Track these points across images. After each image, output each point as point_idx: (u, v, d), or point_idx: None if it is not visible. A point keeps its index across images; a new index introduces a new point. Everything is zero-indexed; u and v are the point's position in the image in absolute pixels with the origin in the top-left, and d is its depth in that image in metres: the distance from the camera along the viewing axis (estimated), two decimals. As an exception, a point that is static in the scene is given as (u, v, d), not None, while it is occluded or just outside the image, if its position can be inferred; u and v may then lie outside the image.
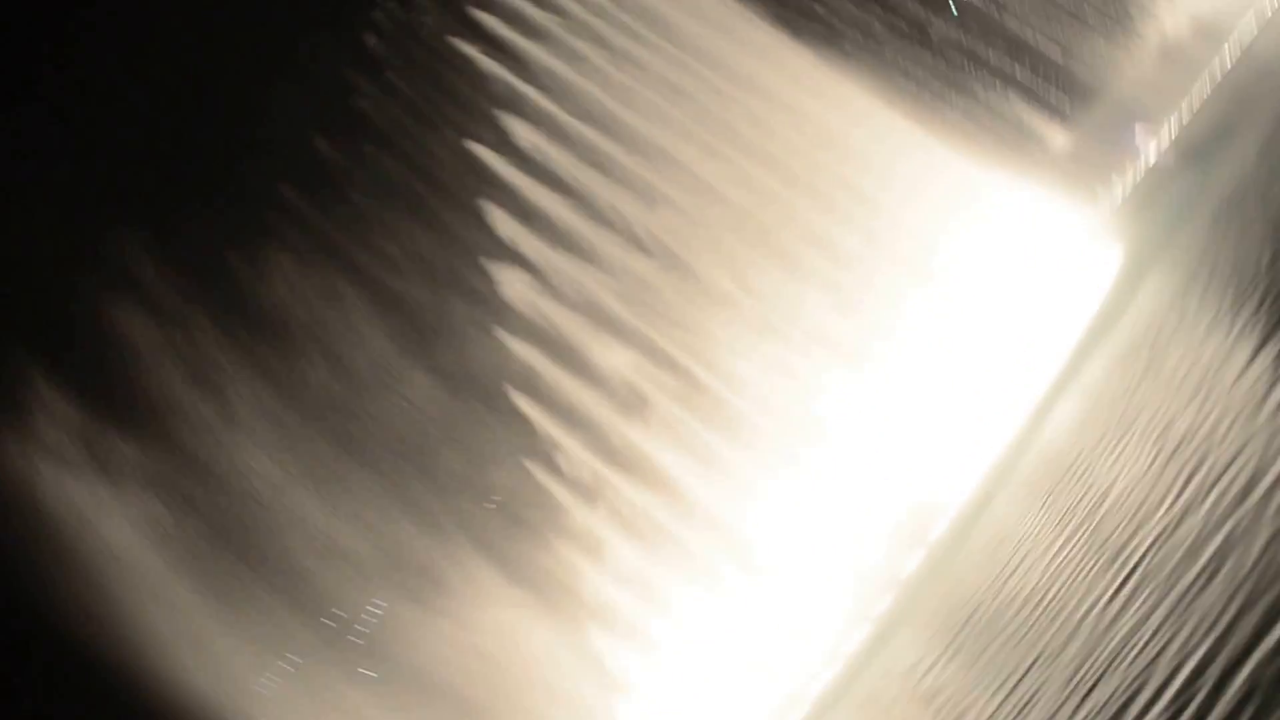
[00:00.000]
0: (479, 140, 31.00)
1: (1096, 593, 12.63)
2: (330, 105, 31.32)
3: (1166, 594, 10.25)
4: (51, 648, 26.18)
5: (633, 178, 30.35)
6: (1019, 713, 12.94)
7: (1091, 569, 13.90)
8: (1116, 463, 17.52)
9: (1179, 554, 10.54)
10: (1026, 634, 15.11)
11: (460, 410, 29.18)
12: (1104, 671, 10.61)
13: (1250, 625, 8.22)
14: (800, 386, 28.96)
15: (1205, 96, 31.15)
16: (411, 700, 26.84)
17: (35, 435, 27.68)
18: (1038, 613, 15.13)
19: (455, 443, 29.03)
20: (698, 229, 30.33)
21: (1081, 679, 11.14)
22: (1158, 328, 24.29)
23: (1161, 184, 30.35)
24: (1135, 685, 9.53)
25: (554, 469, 28.19)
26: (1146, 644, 9.97)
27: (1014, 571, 19.71)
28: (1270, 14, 30.44)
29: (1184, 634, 9.18)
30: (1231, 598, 8.83)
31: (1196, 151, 29.75)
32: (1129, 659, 10.14)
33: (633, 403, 28.56)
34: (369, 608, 27.85)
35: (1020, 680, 13.76)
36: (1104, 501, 16.32)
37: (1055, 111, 33.47)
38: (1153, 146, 31.79)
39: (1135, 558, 12.01)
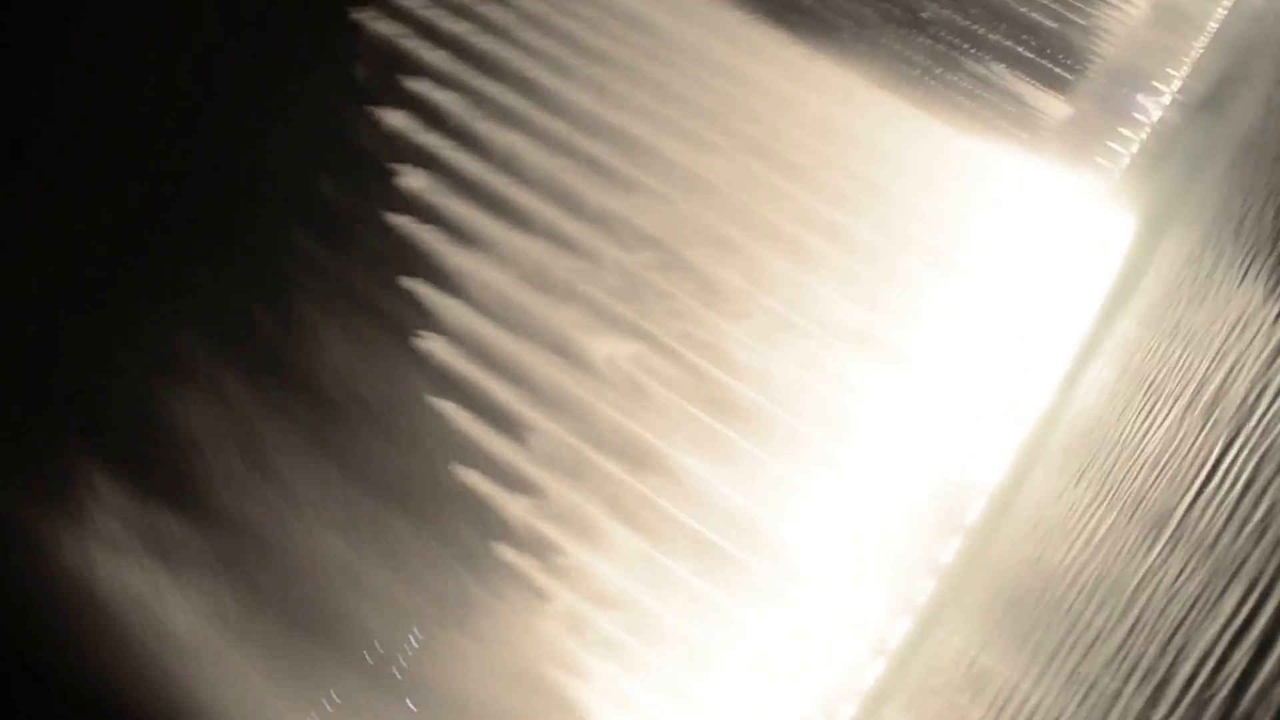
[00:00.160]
0: (477, 155, 30.84)
1: (1142, 564, 12.22)
2: (327, 142, 31.18)
3: (1209, 559, 9.86)
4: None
5: (633, 182, 30.12)
6: (1073, 694, 12.59)
7: (1134, 540, 13.49)
8: (1150, 428, 17.17)
9: (1223, 518, 10.13)
10: (1074, 612, 14.75)
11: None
12: (1154, 644, 10.24)
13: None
14: (823, 379, 28.61)
15: (1202, 51, 30.81)
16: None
17: (89, 524, 27.59)
18: (1084, 590, 14.77)
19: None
20: (705, 230, 30.07)
21: (1131, 653, 10.76)
22: (1179, 287, 23.97)
23: (1168, 143, 30.10)
24: (1180, 650, 9.19)
25: (584, 484, 27.90)
26: (1191, 610, 9.61)
27: (1055, 549, 19.34)
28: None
29: (1231, 600, 8.81)
30: (1273, 559, 8.49)
31: (1200, 107, 29.49)
32: (1176, 628, 9.77)
33: (659, 412, 28.27)
34: (407, 641, 27.62)
35: (1071, 661, 13.40)
36: (1141, 469, 15.96)
37: (1055, 81, 33.18)
38: (1155, 106, 31.51)
39: (1177, 525, 11.60)
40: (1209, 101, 29.86)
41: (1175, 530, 11.53)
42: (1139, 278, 26.95)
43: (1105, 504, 17.01)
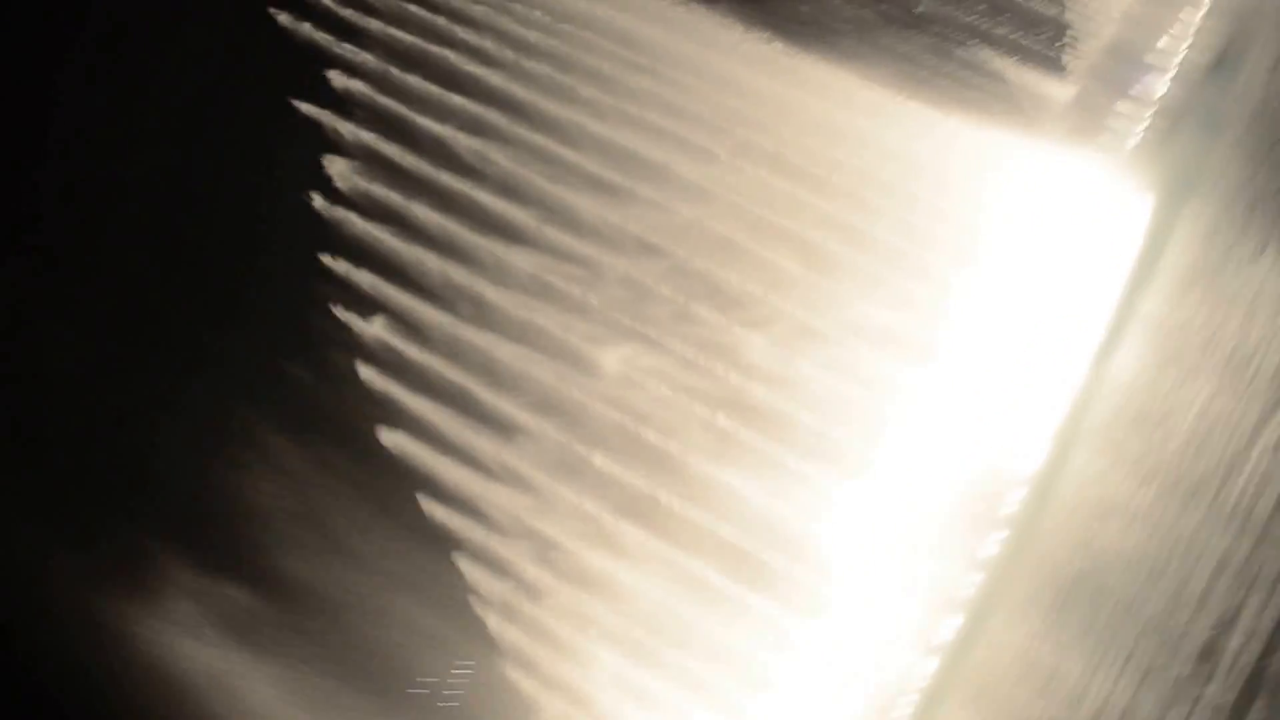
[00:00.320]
0: (474, 182, 30.85)
1: (1184, 538, 11.96)
2: (318, 175, 31.19)
3: (1249, 528, 9.61)
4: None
5: (635, 195, 30.04)
6: (1133, 679, 12.31)
7: (1175, 514, 13.22)
8: (1185, 402, 16.91)
9: (1262, 487, 9.87)
10: (1123, 594, 14.45)
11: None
12: (1203, 618, 9.98)
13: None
14: (847, 381, 28.34)
15: (1202, 21, 30.51)
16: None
17: (160, 606, 27.56)
18: (1130, 570, 14.48)
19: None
20: (714, 238, 29.95)
21: (1181, 630, 10.50)
22: (1203, 260, 23.76)
23: (1176, 117, 29.77)
24: (1229, 622, 8.96)
25: (613, 502, 27.75)
26: (1236, 581, 9.37)
27: (1099, 531, 19.02)
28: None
29: (1273, 569, 8.56)
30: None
31: (1205, 78, 29.20)
32: (1222, 600, 9.52)
33: (683, 422, 28.09)
34: (456, 671, 27.51)
35: (1125, 644, 13.10)
36: (1178, 443, 15.68)
37: (1056, 65, 32.89)
38: (1159, 81, 31.19)
39: (1215, 496, 11.33)
40: (1214, 72, 29.57)
41: (1215, 501, 11.26)
42: (1161, 253, 26.68)
43: (1145, 480, 16.73)
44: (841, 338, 29.13)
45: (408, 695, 27.50)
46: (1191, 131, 28.18)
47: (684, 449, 27.47)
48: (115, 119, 32.34)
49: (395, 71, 32.18)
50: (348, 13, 32.75)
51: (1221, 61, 29.46)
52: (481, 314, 29.53)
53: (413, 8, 32.59)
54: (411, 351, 29.68)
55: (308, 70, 32.25)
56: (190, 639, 27.30)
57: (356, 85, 32.18)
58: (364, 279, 30.41)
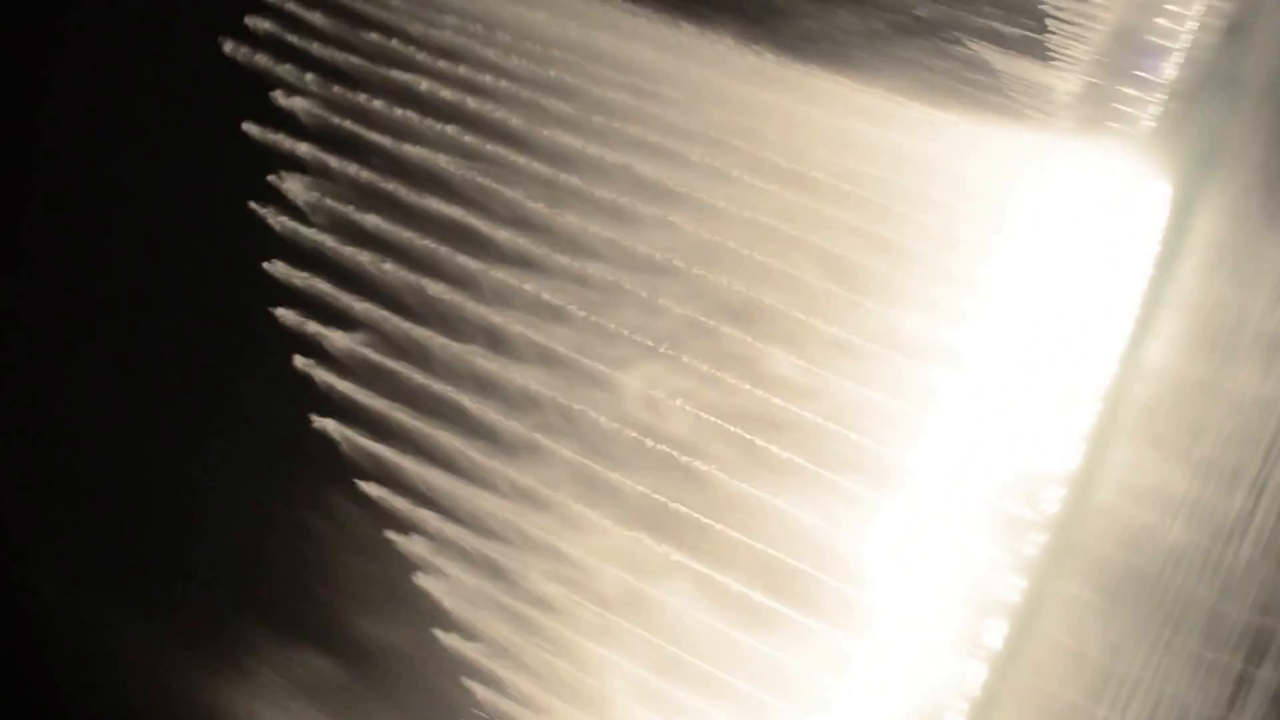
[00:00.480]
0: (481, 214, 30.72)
1: (1225, 523, 11.41)
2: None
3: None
4: None
5: (658, 224, 29.78)
6: (1183, 670, 11.78)
7: (1214, 498, 12.67)
8: (1223, 384, 16.38)
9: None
10: (1167, 585, 13.95)
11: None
12: (1248, 605, 9.44)
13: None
14: (878, 390, 27.87)
15: (1207, 2, 29.97)
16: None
17: (249, 679, 27.74)
18: (1171, 559, 13.96)
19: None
20: (740, 260, 29.59)
21: (1229, 618, 9.96)
22: (1229, 242, 23.24)
23: (1188, 95, 29.27)
24: (1273, 606, 8.42)
25: (647, 524, 27.36)
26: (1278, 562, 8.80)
27: (1142, 523, 18.42)
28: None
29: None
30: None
31: (1214, 59, 28.70)
32: (1266, 583, 8.97)
33: (711, 439, 27.70)
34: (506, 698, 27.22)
35: (1172, 635, 12.57)
36: (1215, 427, 15.17)
37: (1063, 56, 32.47)
38: (1168, 65, 30.71)
39: (1255, 478, 10.79)
40: (1224, 49, 29.09)
41: (1255, 483, 10.72)
42: (1185, 238, 26.17)
43: (1186, 467, 16.23)
44: (869, 347, 28.70)
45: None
46: (1206, 111, 27.66)
47: (714, 468, 27.06)
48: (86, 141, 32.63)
49: (396, 109, 32.18)
50: (343, 60, 32.92)
51: (1230, 37, 28.96)
52: (507, 343, 29.33)
53: (420, 55, 32.62)
54: (438, 387, 29.51)
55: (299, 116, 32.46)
56: (279, 709, 27.19)
57: (347, 124, 32.27)
58: (394, 325, 30.31)
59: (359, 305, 30.50)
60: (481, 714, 27.25)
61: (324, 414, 29.68)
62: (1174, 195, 27.27)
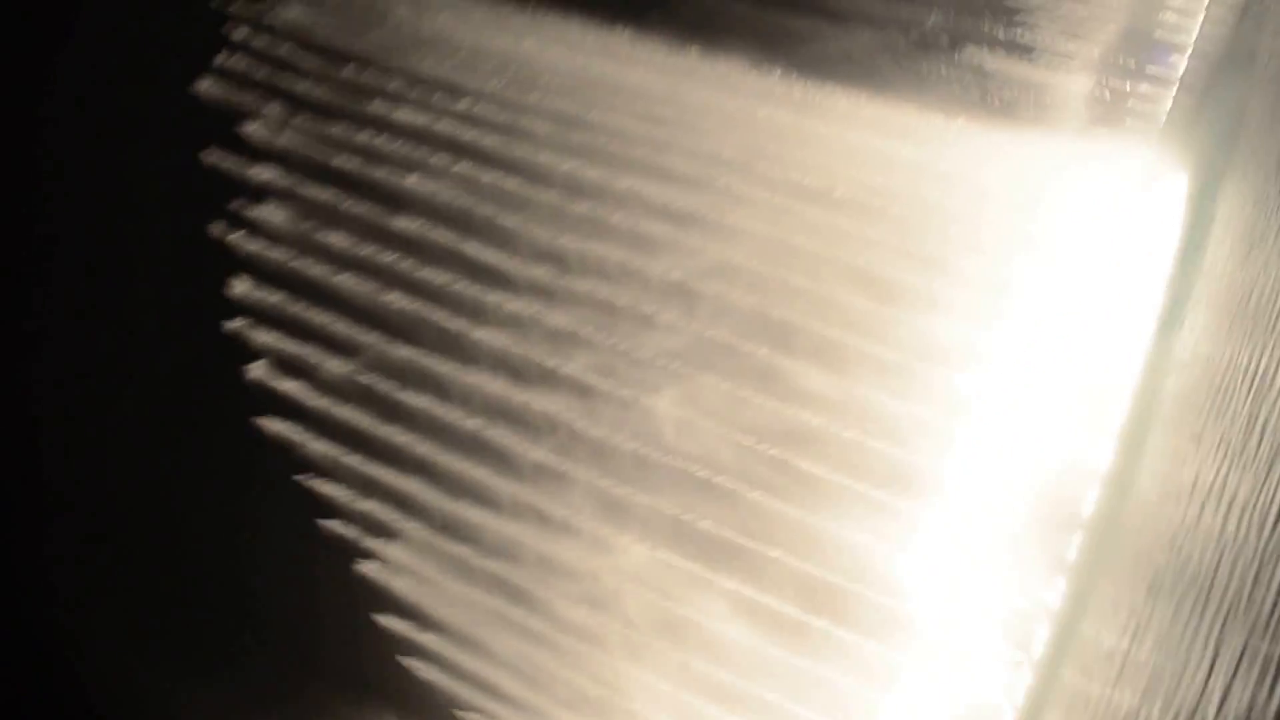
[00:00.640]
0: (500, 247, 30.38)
1: (1268, 514, 10.70)
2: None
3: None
4: None
5: (679, 249, 29.38)
6: (1244, 671, 11.06)
7: (1253, 489, 11.95)
8: (1257, 371, 15.70)
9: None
10: (1211, 583, 13.17)
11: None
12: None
13: None
14: (908, 399, 27.28)
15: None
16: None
17: None
18: (1227, 556, 13.22)
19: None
20: (764, 279, 29.15)
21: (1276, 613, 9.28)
22: (1254, 225, 22.51)
23: (1202, 84, 28.71)
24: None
25: (685, 549, 26.77)
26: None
27: (1183, 518, 17.63)
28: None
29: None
30: None
31: (1229, 37, 28.14)
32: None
33: (741, 457, 27.15)
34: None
35: (1234, 635, 11.85)
36: (1256, 415, 14.45)
37: (1073, 58, 32.00)
38: (1179, 59, 30.20)
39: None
40: (1238, 31, 28.55)
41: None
42: (1208, 229, 25.57)
43: (1223, 457, 15.49)
44: (898, 357, 28.15)
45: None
46: (1222, 96, 27.12)
47: (747, 486, 26.49)
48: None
49: (405, 147, 32.00)
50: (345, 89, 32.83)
51: (1240, 31, 28.40)
52: (528, 370, 28.99)
53: (438, 98, 32.48)
54: (469, 422, 29.17)
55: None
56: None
57: (353, 161, 32.07)
58: (406, 358, 30.01)
59: (364, 338, 30.27)
60: None
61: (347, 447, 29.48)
62: (1195, 185, 26.77)
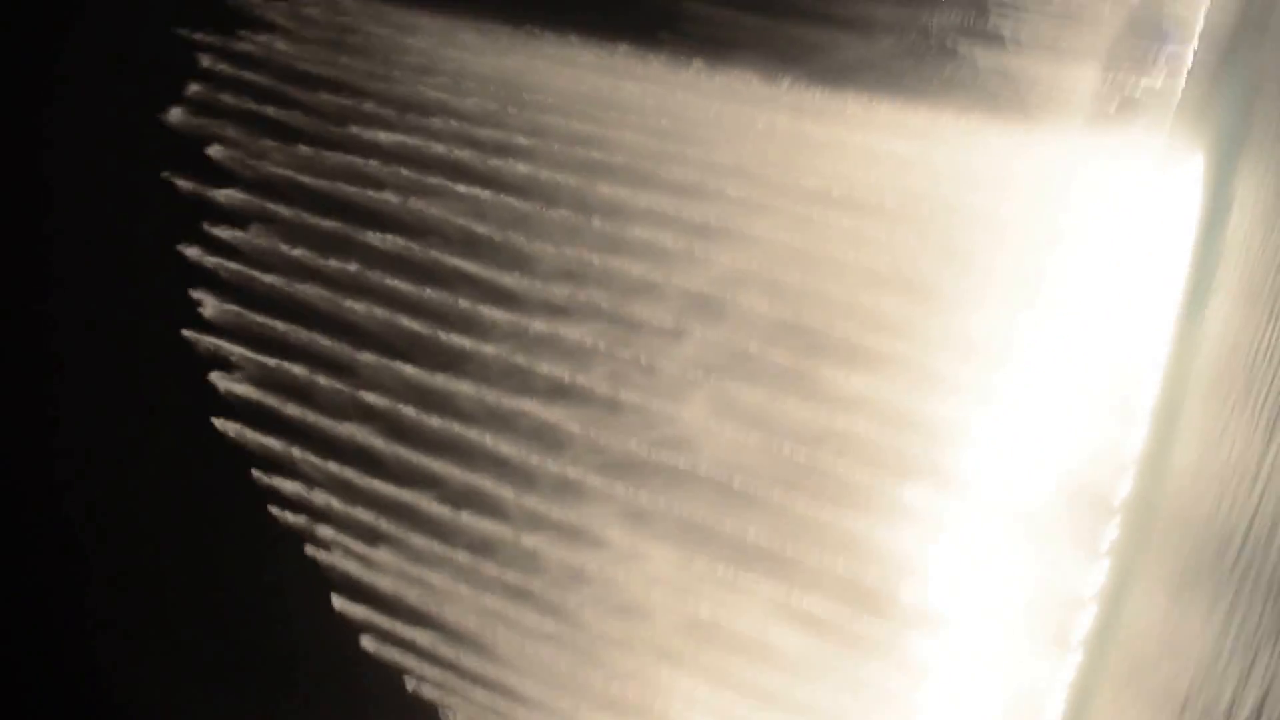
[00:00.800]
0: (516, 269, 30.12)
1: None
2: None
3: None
4: None
5: (696, 260, 29.06)
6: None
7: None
8: None
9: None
10: (1252, 564, 12.70)
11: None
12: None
13: None
14: (933, 396, 26.80)
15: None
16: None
17: None
18: (1273, 541, 12.71)
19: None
20: (787, 287, 28.78)
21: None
22: (1273, 210, 21.97)
23: (1214, 66, 28.11)
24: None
25: (721, 555, 26.36)
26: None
27: (1223, 498, 17.05)
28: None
29: None
30: None
31: (1236, 24, 27.53)
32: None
33: (770, 461, 26.74)
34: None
35: (1261, 618, 11.35)
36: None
37: (1079, 51, 31.49)
38: (1187, 45, 29.63)
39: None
40: (1240, 30, 27.97)
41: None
42: (1227, 210, 25.05)
43: (1259, 431, 14.95)
44: (926, 357, 27.69)
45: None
46: (1233, 78, 26.55)
47: (783, 492, 26.06)
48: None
49: (418, 176, 31.81)
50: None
51: (1248, 17, 27.81)
52: (544, 385, 28.68)
53: (435, 121, 32.30)
54: (493, 443, 28.88)
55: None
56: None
57: (374, 196, 31.91)
58: (420, 379, 29.79)
59: (374, 361, 30.06)
60: None
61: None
62: (1211, 163, 26.25)
